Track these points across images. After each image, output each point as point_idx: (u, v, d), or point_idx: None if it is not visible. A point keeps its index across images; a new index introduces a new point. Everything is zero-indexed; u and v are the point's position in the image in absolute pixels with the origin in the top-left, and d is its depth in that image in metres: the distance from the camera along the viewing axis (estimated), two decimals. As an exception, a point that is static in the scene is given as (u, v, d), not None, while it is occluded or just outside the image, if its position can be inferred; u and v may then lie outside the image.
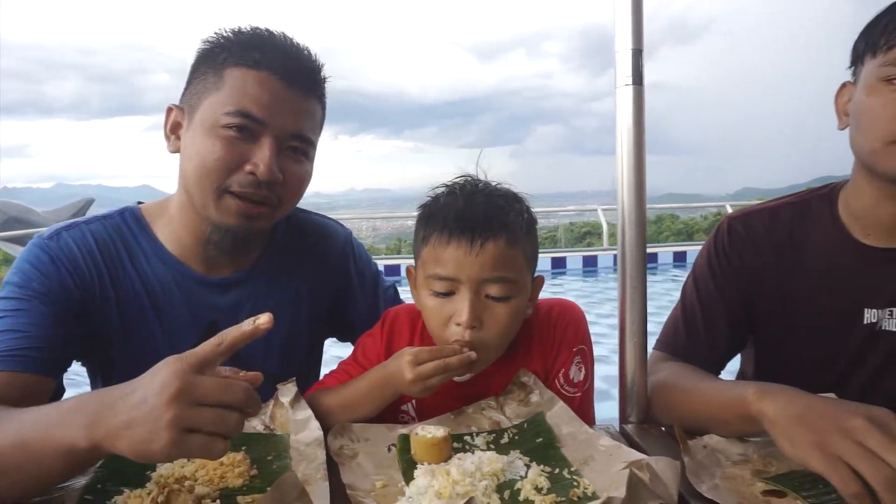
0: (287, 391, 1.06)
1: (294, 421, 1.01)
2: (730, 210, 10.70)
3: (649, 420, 1.10)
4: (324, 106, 1.18)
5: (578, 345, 1.10)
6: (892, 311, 1.11)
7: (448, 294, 1.00)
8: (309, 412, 1.02)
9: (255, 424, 1.05)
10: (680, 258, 9.57)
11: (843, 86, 1.13)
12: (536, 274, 1.10)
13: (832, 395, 0.95)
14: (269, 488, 0.82)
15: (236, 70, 1.06)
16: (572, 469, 0.88)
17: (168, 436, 0.66)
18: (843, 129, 1.11)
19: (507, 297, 1.00)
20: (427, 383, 0.96)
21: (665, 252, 9.80)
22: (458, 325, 0.99)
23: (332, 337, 1.42)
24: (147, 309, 1.14)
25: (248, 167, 1.06)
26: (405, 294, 1.47)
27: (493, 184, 1.07)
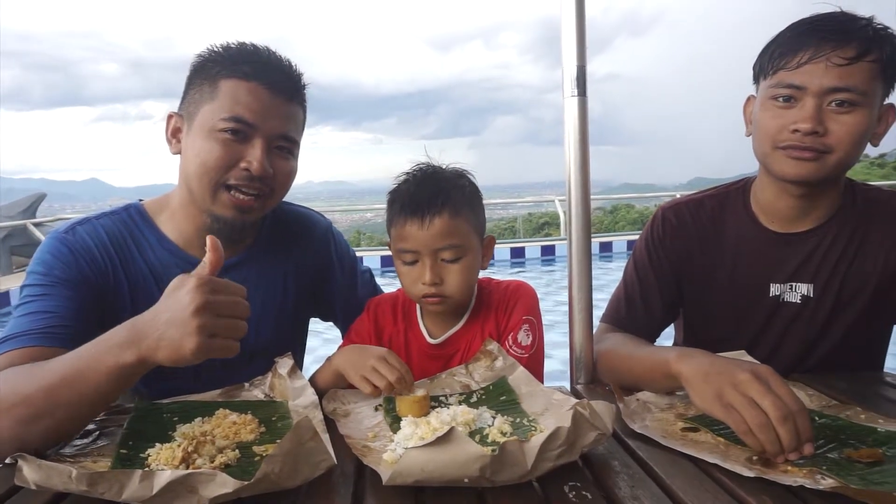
0: (284, 364, 1.21)
1: (292, 389, 1.16)
2: (680, 200, 11.16)
3: (595, 381, 1.30)
4: (305, 110, 1.34)
5: (527, 314, 1.31)
6: (791, 285, 1.34)
7: (413, 262, 1.25)
8: (304, 381, 1.18)
9: (255, 394, 1.20)
10: (633, 246, 9.95)
11: (749, 99, 1.34)
12: (490, 236, 1.33)
13: (743, 351, 1.16)
14: (280, 438, 0.98)
15: (229, 81, 1.22)
16: (531, 419, 1.06)
17: (196, 339, 0.87)
18: (748, 136, 1.32)
19: (458, 258, 1.24)
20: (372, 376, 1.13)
21: (619, 241, 10.17)
22: (424, 284, 1.23)
23: (314, 316, 1.58)
24: (155, 293, 1.27)
25: (242, 164, 1.21)
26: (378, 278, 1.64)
27: (443, 166, 1.30)
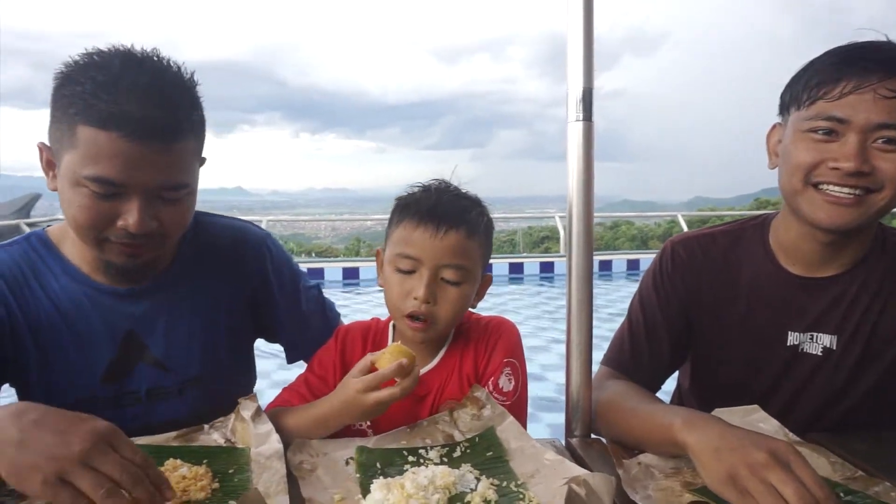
0: (248, 406, 1.09)
1: (255, 435, 1.04)
2: (681, 220, 11.03)
3: (595, 431, 1.18)
4: (197, 133, 1.10)
5: (509, 357, 1.19)
6: (812, 335, 1.21)
7: (410, 272, 1.14)
8: (270, 426, 1.06)
9: (216, 438, 1.09)
10: (633, 266, 9.82)
11: (774, 127, 1.21)
12: (489, 274, 1.24)
13: (756, 406, 1.04)
14: (233, 498, 0.87)
15: (87, 129, 0.98)
16: (519, 482, 0.94)
17: (40, 479, 0.73)
18: (773, 169, 1.20)
19: (459, 281, 1.14)
20: (384, 405, 1.04)
21: (619, 260, 10.04)
22: (416, 299, 1.12)
23: (259, 337, 1.42)
24: (60, 327, 1.15)
25: (119, 223, 1.03)
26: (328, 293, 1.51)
27: (462, 190, 1.22)
